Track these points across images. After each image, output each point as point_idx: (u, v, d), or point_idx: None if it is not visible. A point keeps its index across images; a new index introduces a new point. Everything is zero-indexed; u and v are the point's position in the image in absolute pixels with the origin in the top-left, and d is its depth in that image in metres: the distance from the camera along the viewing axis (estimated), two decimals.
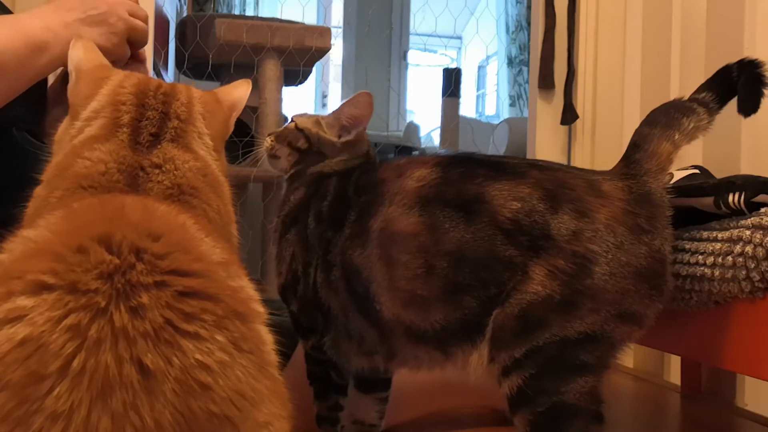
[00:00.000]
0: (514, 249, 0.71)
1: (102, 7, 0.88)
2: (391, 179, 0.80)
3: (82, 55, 0.72)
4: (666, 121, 0.77)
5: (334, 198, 0.85)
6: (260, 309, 0.51)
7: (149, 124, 0.64)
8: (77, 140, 0.64)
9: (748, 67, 0.76)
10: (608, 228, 0.70)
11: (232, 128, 0.75)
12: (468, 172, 0.76)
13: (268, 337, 0.50)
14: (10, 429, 0.39)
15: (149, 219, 0.51)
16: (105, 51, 0.83)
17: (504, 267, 0.71)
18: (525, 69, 4.83)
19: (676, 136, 0.76)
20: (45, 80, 1.13)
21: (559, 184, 0.73)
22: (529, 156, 1.77)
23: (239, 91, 0.76)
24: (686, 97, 0.79)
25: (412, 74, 5.27)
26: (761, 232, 0.72)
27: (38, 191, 0.62)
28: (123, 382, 0.41)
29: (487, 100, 5.89)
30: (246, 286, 0.52)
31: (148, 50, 1.57)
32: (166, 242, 0.48)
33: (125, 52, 0.92)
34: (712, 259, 0.78)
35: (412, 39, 5.16)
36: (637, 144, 0.76)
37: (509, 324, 0.71)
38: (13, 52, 0.82)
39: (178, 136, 0.65)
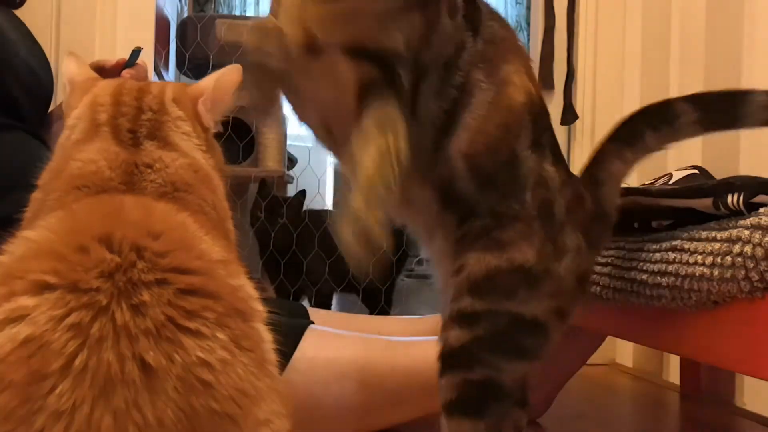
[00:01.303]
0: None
1: None
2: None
3: (75, 69, 0.73)
4: (626, 137, 0.80)
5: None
6: (259, 307, 0.52)
7: (125, 120, 0.64)
8: (67, 146, 0.65)
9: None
10: (577, 231, 0.76)
11: (206, 114, 0.71)
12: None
13: (267, 336, 0.50)
14: (12, 428, 0.40)
15: (148, 218, 0.51)
16: None
17: (519, 185, 0.74)
18: None
19: (629, 155, 0.80)
20: (50, 96, 1.15)
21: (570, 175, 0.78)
22: None
23: (213, 76, 0.73)
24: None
25: None
26: (760, 231, 0.73)
27: (35, 195, 0.63)
28: (125, 380, 0.41)
29: None
30: (245, 285, 0.52)
31: (149, 51, 1.58)
32: (166, 240, 0.48)
33: None
34: (711, 259, 0.78)
35: None
36: (598, 162, 0.81)
37: (481, 272, 0.72)
38: None
39: (154, 128, 0.65)
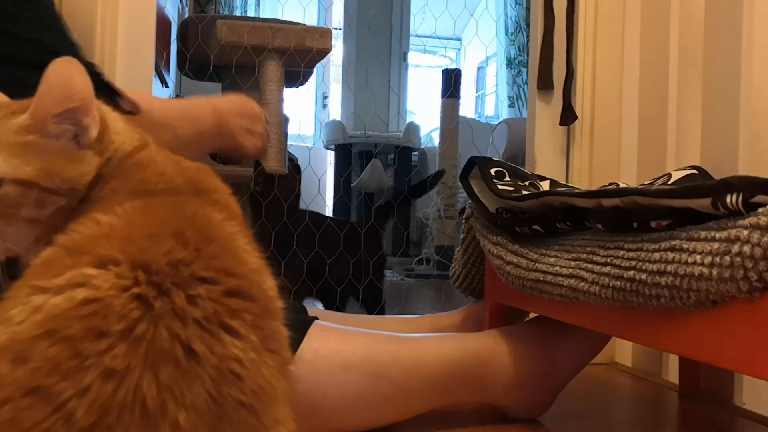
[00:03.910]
0: None
1: (258, 127, 1.28)
2: None
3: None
4: None
5: None
6: (281, 306, 0.55)
7: None
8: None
9: None
10: None
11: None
12: None
13: (285, 333, 0.54)
14: (57, 381, 0.41)
15: (208, 224, 0.55)
16: (246, 152, 1.27)
17: None
18: (524, 70, 4.85)
19: None
20: None
21: None
22: (528, 156, 1.78)
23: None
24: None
25: (412, 75, 5.29)
26: (759, 231, 0.73)
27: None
28: (173, 358, 0.43)
29: (487, 100, 5.91)
30: (273, 286, 0.56)
31: (151, 52, 1.58)
32: (217, 245, 0.52)
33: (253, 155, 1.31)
34: (710, 259, 0.79)
35: (412, 40, 5.17)
36: None
37: None
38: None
39: None
